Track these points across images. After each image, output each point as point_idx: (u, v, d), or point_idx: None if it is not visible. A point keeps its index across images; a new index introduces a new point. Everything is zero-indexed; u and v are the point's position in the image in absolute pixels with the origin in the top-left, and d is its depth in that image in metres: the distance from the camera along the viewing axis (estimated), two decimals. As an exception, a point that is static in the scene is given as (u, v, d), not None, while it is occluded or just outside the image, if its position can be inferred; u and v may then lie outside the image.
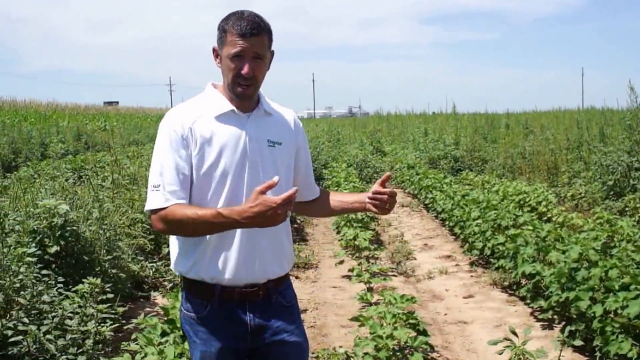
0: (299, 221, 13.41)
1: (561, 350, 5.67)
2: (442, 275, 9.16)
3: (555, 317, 6.75)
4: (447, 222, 12.02)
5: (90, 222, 6.86)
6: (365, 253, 9.52)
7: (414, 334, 5.72)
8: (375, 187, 3.07)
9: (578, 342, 5.91)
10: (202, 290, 2.90)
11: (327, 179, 17.09)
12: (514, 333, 5.25)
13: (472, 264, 9.61)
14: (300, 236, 12.09)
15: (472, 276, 9.04)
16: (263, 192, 2.56)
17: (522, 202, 12.62)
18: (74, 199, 7.61)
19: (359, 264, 8.83)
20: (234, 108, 2.90)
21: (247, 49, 2.79)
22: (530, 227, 8.40)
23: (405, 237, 11.76)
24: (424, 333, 5.77)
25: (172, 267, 3.05)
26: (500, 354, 5.30)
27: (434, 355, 6.20)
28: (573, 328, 6.05)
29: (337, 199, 3.29)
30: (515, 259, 7.72)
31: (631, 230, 7.85)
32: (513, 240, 8.04)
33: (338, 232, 10.96)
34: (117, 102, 77.26)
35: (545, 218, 11.61)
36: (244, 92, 2.85)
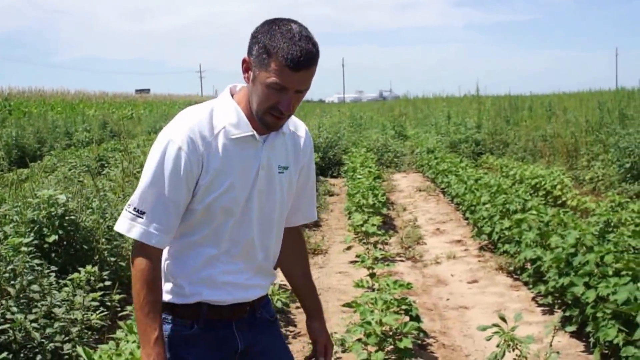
0: (314, 207, 13.40)
1: (553, 336, 5.64)
2: (450, 260, 9.14)
3: (555, 302, 6.71)
4: (460, 207, 11.98)
5: (91, 211, 6.93)
6: (374, 238, 9.52)
7: (405, 319, 5.71)
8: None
9: (570, 328, 5.89)
10: (185, 311, 2.61)
11: (346, 164, 17.10)
12: (503, 319, 5.23)
13: (480, 248, 9.58)
14: (313, 222, 12.09)
15: (479, 261, 9.01)
16: None
17: (537, 185, 12.54)
18: (79, 188, 7.69)
19: (367, 249, 8.84)
20: (254, 132, 2.53)
21: (294, 83, 2.39)
22: (535, 212, 8.34)
23: (418, 222, 11.72)
24: (417, 319, 5.77)
25: None
26: (489, 339, 5.28)
27: (430, 340, 6.20)
28: (568, 314, 6.02)
29: (307, 287, 3.05)
30: (520, 243, 7.69)
31: (629, 214, 7.77)
32: (518, 225, 7.99)
33: (350, 218, 10.96)
34: (149, 90, 77.70)
35: (559, 202, 11.54)
36: (276, 124, 2.51)
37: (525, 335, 5.20)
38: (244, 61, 2.47)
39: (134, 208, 2.42)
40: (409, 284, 6.29)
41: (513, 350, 5.14)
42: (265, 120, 2.47)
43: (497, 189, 10.36)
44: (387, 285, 6.04)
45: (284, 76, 2.36)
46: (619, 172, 13.15)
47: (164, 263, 2.58)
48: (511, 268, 8.17)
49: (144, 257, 2.43)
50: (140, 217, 2.41)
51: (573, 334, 6.04)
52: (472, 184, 11.61)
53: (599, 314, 5.16)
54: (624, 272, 5.25)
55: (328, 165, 19.08)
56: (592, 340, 5.38)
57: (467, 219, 11.23)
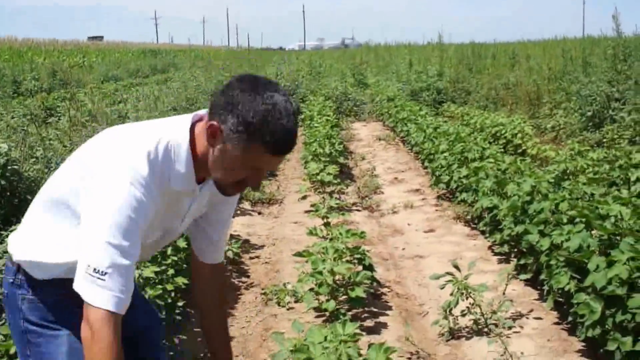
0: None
1: (507, 284, 5.73)
2: (407, 210, 9.19)
3: (511, 251, 6.78)
4: (419, 156, 12.04)
5: (35, 160, 6.85)
6: (331, 188, 9.54)
7: (358, 268, 5.75)
8: None
9: (525, 276, 5.98)
10: (52, 281, 2.49)
11: (303, 112, 17.07)
12: (457, 267, 5.29)
13: (438, 197, 9.64)
14: (269, 171, 12.08)
15: (437, 210, 9.07)
16: None
17: (498, 134, 12.62)
18: (22, 137, 7.58)
19: (322, 199, 8.86)
20: (196, 188, 2.44)
21: (273, 166, 2.31)
22: (493, 160, 8.41)
23: (376, 171, 11.75)
24: (370, 268, 5.81)
25: (22, 257, 2.51)
26: (443, 288, 5.35)
27: (384, 290, 6.25)
28: (523, 262, 6.11)
29: (222, 337, 2.97)
30: (477, 192, 7.76)
31: (585, 162, 7.87)
32: (475, 173, 8.05)
33: (306, 168, 10.96)
34: (102, 37, 76.77)
35: (520, 150, 11.63)
36: (232, 195, 2.47)
37: (480, 284, 5.27)
38: (211, 127, 2.22)
39: (95, 269, 2.12)
40: (362, 232, 6.31)
41: (467, 298, 5.21)
42: (226, 191, 2.38)
43: (456, 137, 10.41)
44: (340, 234, 6.05)
45: (264, 161, 2.23)
46: (581, 120, 13.26)
47: (49, 237, 2.44)
48: (468, 217, 8.24)
49: (110, 327, 2.13)
50: (102, 279, 2.12)
51: (528, 282, 6.13)
52: (431, 133, 11.67)
53: (553, 262, 5.22)
54: (577, 220, 5.31)
55: (286, 115, 19.03)
56: (545, 288, 5.46)
57: (425, 167, 11.29)
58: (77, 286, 2.15)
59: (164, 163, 2.28)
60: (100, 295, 2.11)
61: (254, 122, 2.14)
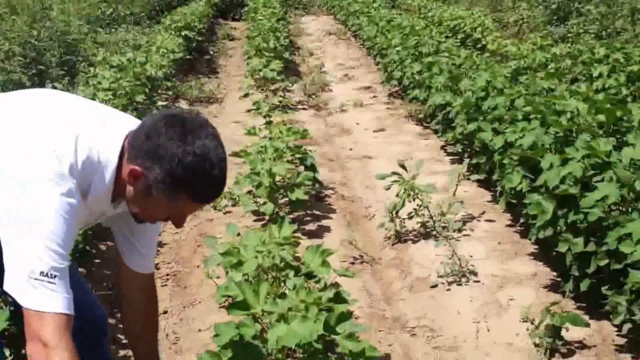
0: (211, 52, 13.20)
1: (457, 185, 5.72)
2: (356, 108, 9.12)
3: (464, 150, 6.75)
4: (371, 51, 11.91)
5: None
6: (275, 85, 9.39)
7: (300, 169, 5.68)
8: None
9: (476, 176, 5.97)
10: None
11: (247, 4, 16.78)
12: (403, 167, 5.24)
13: (390, 95, 9.57)
14: (210, 68, 11.91)
15: (388, 108, 9.01)
16: None
17: (456, 28, 12.51)
18: None
19: (266, 96, 8.73)
20: (109, 209, 2.38)
21: (200, 209, 2.38)
22: (447, 54, 8.31)
23: (325, 68, 11.64)
24: (312, 168, 5.73)
25: None
26: (388, 189, 5.30)
27: (328, 192, 6.20)
28: (475, 161, 6.08)
29: (149, 344, 2.91)
30: (430, 88, 7.68)
31: (545, 56, 7.82)
32: (429, 68, 7.96)
33: (249, 64, 10.79)
34: None
35: (479, 45, 11.55)
36: (146, 223, 2.41)
37: (427, 184, 5.23)
38: (134, 171, 2.14)
39: (42, 272, 1.99)
40: (304, 131, 6.21)
41: (414, 200, 5.18)
42: (144, 222, 2.38)
43: (410, 30, 10.28)
44: (281, 132, 5.95)
45: (189, 208, 2.25)
46: (545, 13, 13.15)
47: None
48: (421, 115, 8.18)
49: (68, 333, 2.03)
50: (52, 282, 2.00)
51: (481, 184, 6.12)
52: (384, 26, 11.51)
53: (506, 161, 5.18)
54: (533, 116, 5.27)
55: (229, 7, 18.69)
56: (498, 189, 5.45)
57: (377, 64, 11.17)
58: (18, 294, 2.02)
59: (88, 176, 2.20)
60: (54, 300, 2.01)
61: (183, 176, 2.10)
